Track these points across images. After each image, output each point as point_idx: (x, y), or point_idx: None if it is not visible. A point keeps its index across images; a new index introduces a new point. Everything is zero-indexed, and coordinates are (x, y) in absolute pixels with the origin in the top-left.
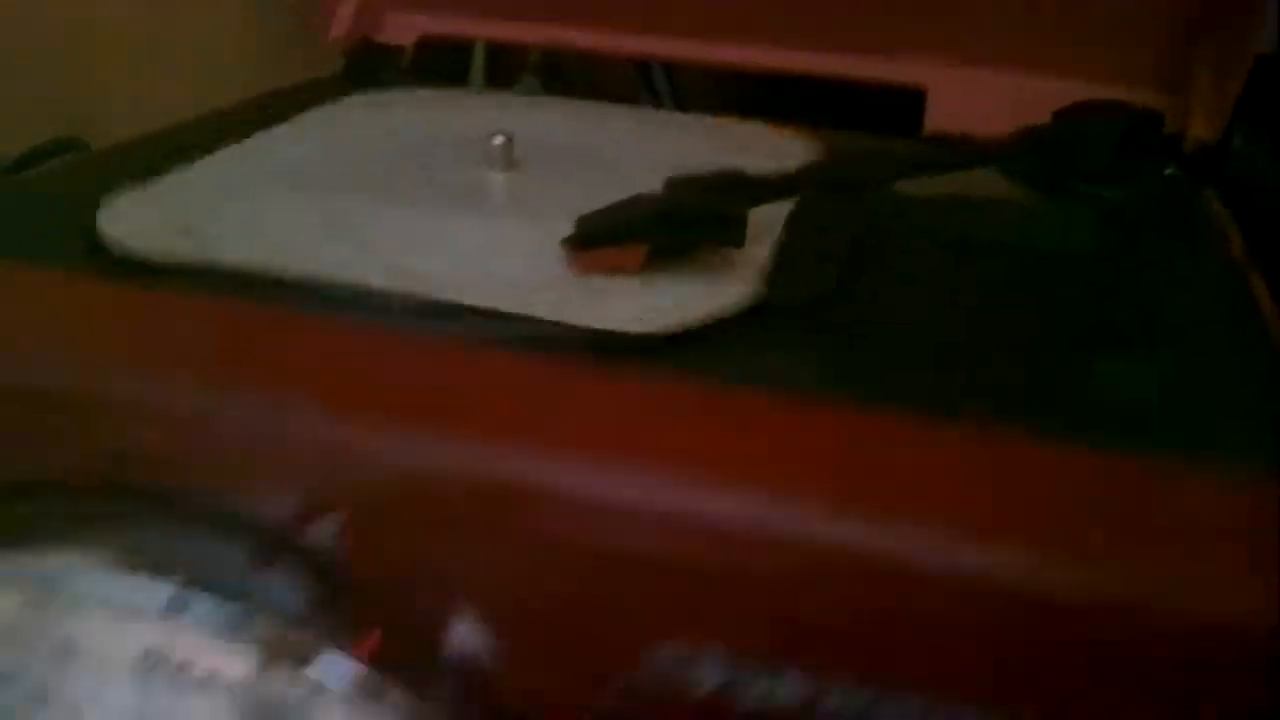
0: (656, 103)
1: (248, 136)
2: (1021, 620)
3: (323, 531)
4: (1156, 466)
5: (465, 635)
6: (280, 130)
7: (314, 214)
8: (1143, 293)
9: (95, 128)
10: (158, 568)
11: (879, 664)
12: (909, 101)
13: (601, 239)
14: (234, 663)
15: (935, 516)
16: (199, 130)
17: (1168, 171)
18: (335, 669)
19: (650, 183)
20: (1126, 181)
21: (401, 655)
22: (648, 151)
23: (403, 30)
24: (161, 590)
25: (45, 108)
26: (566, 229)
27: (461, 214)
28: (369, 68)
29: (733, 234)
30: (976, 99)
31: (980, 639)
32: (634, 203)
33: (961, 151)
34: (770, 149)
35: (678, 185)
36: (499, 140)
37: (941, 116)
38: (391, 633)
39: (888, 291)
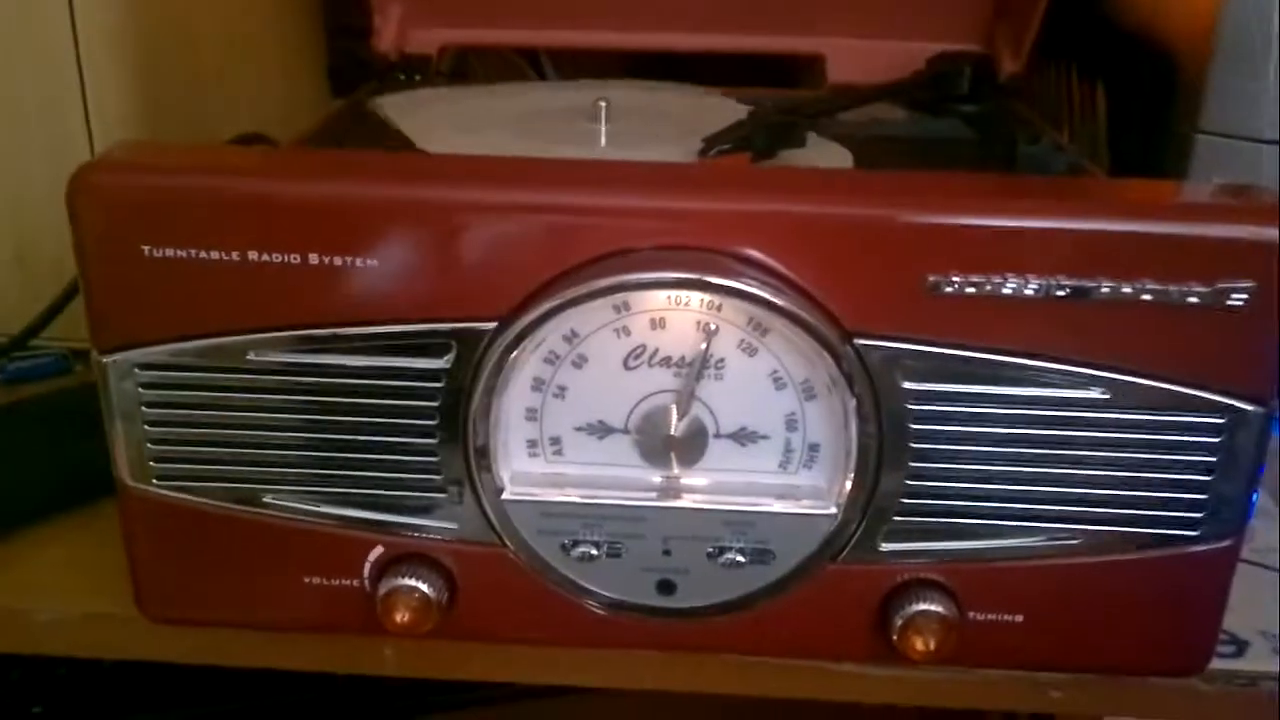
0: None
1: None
2: None
3: None
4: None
5: None
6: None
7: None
8: (996, 149)
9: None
10: None
11: None
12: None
13: (721, 149)
14: None
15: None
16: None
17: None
18: None
19: (705, 125)
20: (976, 100)
21: None
22: (689, 105)
23: (426, 42)
24: None
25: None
26: (677, 150)
27: (601, 148)
28: (404, 72)
29: (798, 139)
30: (859, 59)
31: None
32: (737, 125)
33: (872, 90)
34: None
35: (756, 115)
36: (602, 103)
37: (838, 73)
38: None
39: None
